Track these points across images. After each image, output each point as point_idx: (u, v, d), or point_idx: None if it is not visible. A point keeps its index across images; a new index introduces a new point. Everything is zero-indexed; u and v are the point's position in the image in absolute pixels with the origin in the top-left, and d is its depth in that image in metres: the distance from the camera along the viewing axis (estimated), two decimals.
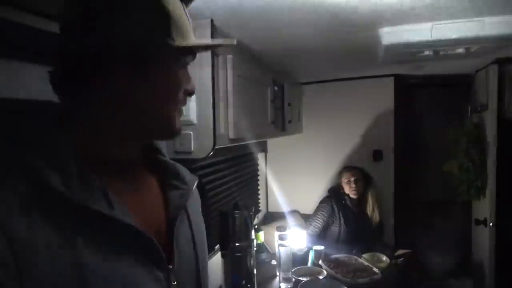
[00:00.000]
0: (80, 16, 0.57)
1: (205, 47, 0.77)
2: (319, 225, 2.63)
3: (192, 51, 0.66)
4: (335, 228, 2.61)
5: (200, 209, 0.84)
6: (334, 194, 2.72)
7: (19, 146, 0.53)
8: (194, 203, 0.80)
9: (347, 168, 2.80)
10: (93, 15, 0.56)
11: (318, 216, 2.65)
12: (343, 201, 2.66)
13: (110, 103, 0.60)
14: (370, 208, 2.69)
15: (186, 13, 0.64)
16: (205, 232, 0.81)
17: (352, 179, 2.66)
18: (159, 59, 0.60)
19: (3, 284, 0.45)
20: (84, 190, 0.53)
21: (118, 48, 0.56)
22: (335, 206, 2.63)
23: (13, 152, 0.52)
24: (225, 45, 1.04)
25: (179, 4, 0.62)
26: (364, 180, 2.70)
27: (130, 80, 0.59)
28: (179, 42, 0.60)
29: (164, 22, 0.59)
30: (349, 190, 2.66)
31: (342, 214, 2.61)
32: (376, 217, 2.69)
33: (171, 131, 0.66)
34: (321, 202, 2.74)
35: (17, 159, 0.52)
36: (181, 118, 1.35)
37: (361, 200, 2.71)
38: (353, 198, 2.66)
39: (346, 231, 2.58)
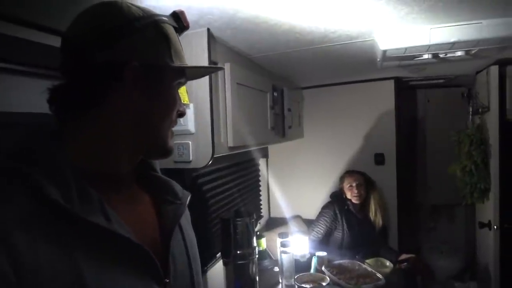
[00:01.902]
0: (91, 37, 0.60)
1: (200, 72, 0.86)
2: (322, 231, 2.61)
3: (185, 74, 0.70)
4: (338, 234, 2.59)
5: (191, 224, 0.85)
6: (337, 199, 2.70)
7: (18, 160, 0.54)
8: (186, 218, 0.81)
9: (349, 172, 2.77)
10: (105, 37, 0.60)
11: (320, 222, 2.63)
12: (346, 206, 2.64)
13: (111, 120, 0.62)
14: (373, 212, 2.66)
15: (179, 40, 0.70)
16: (197, 246, 0.82)
17: (354, 184, 2.64)
18: (161, 79, 0.65)
19: None
20: (82, 203, 0.55)
21: (125, 68, 0.60)
22: (337, 212, 2.61)
23: (12, 166, 0.53)
24: (215, 70, 1.16)
25: (175, 32, 0.68)
26: (366, 185, 2.68)
27: (133, 99, 0.62)
28: (178, 64, 0.66)
29: (166, 45, 0.65)
30: (351, 195, 2.64)
31: (345, 219, 2.59)
32: (379, 221, 2.66)
33: (165, 150, 0.69)
34: (324, 207, 2.72)
35: (16, 173, 0.52)
36: (180, 128, 1.36)
37: (364, 205, 2.69)
38: (355, 203, 2.64)
39: (350, 236, 2.56)
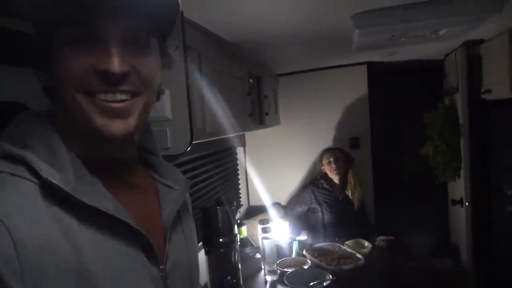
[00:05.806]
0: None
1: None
2: (298, 213, 2.72)
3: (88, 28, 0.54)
4: (318, 215, 2.63)
5: (191, 211, 0.83)
6: (313, 182, 2.77)
7: (19, 146, 0.54)
8: (185, 206, 0.79)
9: (327, 149, 2.85)
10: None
11: (298, 204, 2.71)
12: (320, 186, 2.70)
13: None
14: (352, 187, 2.71)
15: None
16: (195, 234, 0.81)
17: (332, 158, 2.70)
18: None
19: (6, 281, 0.45)
20: (81, 186, 0.54)
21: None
22: (316, 193, 2.67)
23: (14, 152, 0.53)
24: None
25: None
26: (345, 160, 2.74)
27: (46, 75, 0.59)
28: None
29: None
30: (330, 170, 2.69)
31: (322, 199, 2.65)
32: (359, 196, 2.71)
33: (92, 127, 0.56)
34: (303, 188, 2.80)
35: (18, 159, 0.52)
36: (156, 114, 1.30)
37: (343, 183, 2.74)
38: (334, 183, 2.69)
39: (330, 216, 2.61)
